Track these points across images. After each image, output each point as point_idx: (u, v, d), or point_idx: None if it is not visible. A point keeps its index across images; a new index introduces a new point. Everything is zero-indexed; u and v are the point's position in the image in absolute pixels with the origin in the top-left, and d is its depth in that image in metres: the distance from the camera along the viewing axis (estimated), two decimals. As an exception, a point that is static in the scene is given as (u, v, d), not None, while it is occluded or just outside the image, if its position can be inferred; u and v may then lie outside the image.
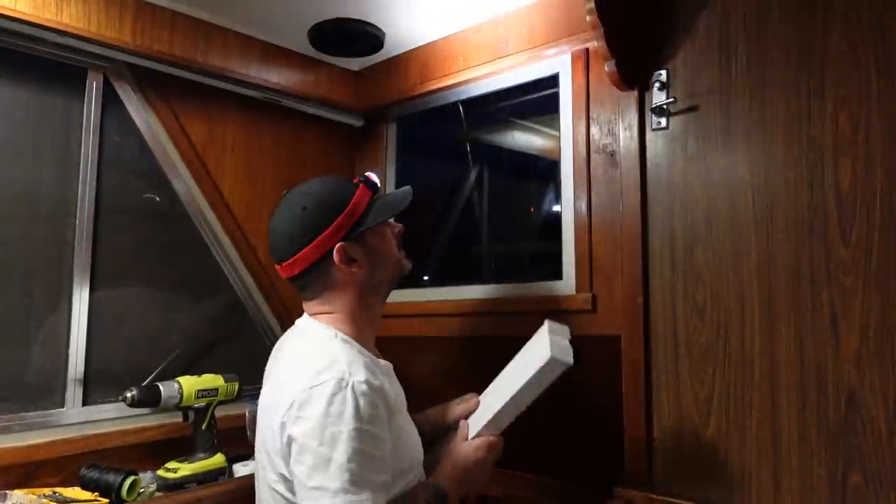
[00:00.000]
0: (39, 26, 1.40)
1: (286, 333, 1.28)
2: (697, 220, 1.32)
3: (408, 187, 1.26)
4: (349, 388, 1.00)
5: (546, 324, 1.24)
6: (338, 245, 1.14)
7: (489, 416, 1.19)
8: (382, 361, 1.20)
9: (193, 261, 1.81)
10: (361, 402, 1.00)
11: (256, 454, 1.19)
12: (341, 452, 0.97)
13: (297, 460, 0.99)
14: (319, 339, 1.14)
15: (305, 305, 1.22)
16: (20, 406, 1.47)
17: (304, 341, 1.18)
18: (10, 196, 1.49)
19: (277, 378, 1.15)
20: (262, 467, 1.13)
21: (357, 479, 0.96)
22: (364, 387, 1.01)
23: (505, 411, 1.18)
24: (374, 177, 1.22)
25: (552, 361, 1.11)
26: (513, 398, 1.16)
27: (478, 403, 1.29)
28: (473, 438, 1.20)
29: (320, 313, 1.19)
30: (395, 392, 1.15)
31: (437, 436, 1.30)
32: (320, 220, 1.14)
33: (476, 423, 1.22)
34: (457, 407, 1.32)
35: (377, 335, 1.26)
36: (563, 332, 1.24)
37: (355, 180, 1.21)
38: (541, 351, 1.15)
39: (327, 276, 1.16)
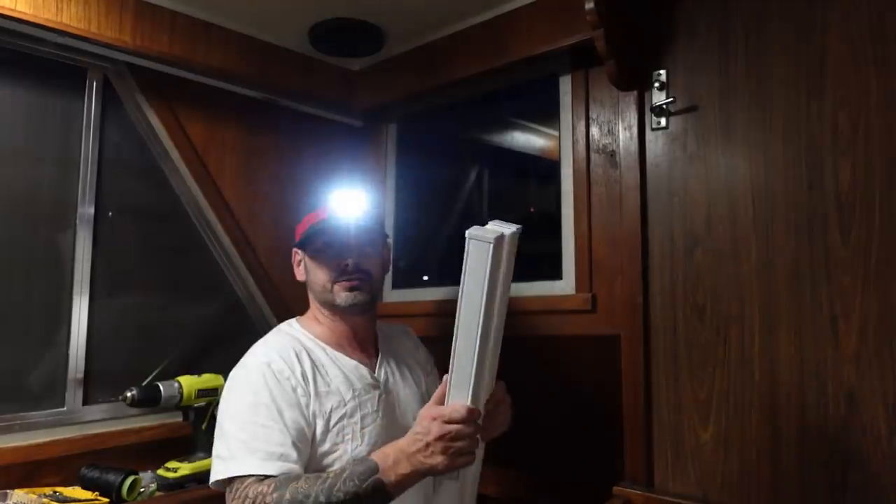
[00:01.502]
0: (39, 26, 1.40)
1: None
2: (697, 220, 1.32)
3: (344, 221, 1.27)
4: (249, 367, 1.19)
5: (467, 233, 0.98)
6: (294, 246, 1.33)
7: (456, 381, 1.01)
8: (346, 359, 1.26)
9: (193, 261, 1.81)
10: (258, 379, 1.15)
11: None
12: (233, 424, 1.12)
13: None
14: (270, 332, 1.32)
15: None
16: (20, 406, 1.47)
17: None
18: (10, 196, 1.49)
19: None
20: None
21: (245, 448, 1.08)
22: (265, 367, 1.16)
23: (470, 366, 0.99)
24: (334, 202, 1.30)
25: (498, 237, 0.95)
26: (477, 349, 0.98)
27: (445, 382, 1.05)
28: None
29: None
30: (331, 382, 1.21)
31: None
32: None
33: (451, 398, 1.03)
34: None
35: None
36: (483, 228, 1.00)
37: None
38: (480, 252, 0.96)
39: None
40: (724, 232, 1.28)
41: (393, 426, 1.23)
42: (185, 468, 1.50)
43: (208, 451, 1.55)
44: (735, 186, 1.28)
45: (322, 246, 1.28)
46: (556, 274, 1.60)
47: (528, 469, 1.58)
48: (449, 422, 0.98)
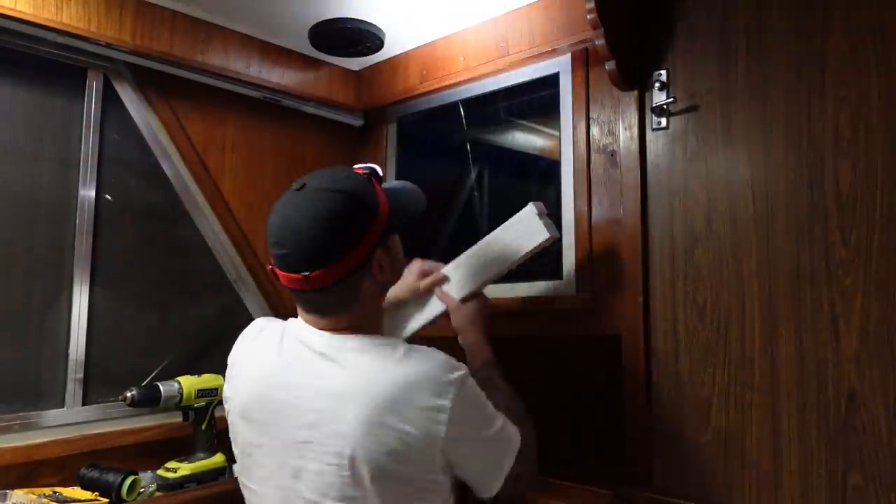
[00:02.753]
0: (39, 26, 1.40)
1: (292, 355, 1.06)
2: (697, 220, 1.32)
3: (405, 183, 1.22)
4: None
5: (531, 205, 1.33)
6: (377, 252, 1.03)
7: (476, 281, 1.33)
8: None
9: (193, 261, 1.81)
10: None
11: None
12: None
13: None
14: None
15: (316, 321, 1.05)
16: (20, 406, 1.47)
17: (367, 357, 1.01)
18: (10, 196, 1.49)
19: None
20: None
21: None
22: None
23: (489, 280, 1.34)
24: (379, 169, 1.12)
25: (551, 238, 1.29)
26: (500, 269, 1.32)
27: (445, 276, 1.38)
28: (466, 299, 1.33)
29: (340, 329, 1.03)
30: None
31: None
32: (359, 222, 1.00)
33: (459, 289, 1.35)
34: (422, 281, 1.38)
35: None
36: (543, 209, 1.34)
37: (358, 170, 1.09)
38: (535, 229, 1.31)
39: (357, 287, 1.03)
40: (725, 232, 1.28)
41: None
42: (184, 468, 1.50)
43: (208, 452, 1.56)
44: (735, 186, 1.28)
45: (405, 218, 1.12)
46: (556, 274, 1.60)
47: (528, 469, 1.57)
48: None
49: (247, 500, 1.11)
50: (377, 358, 0.99)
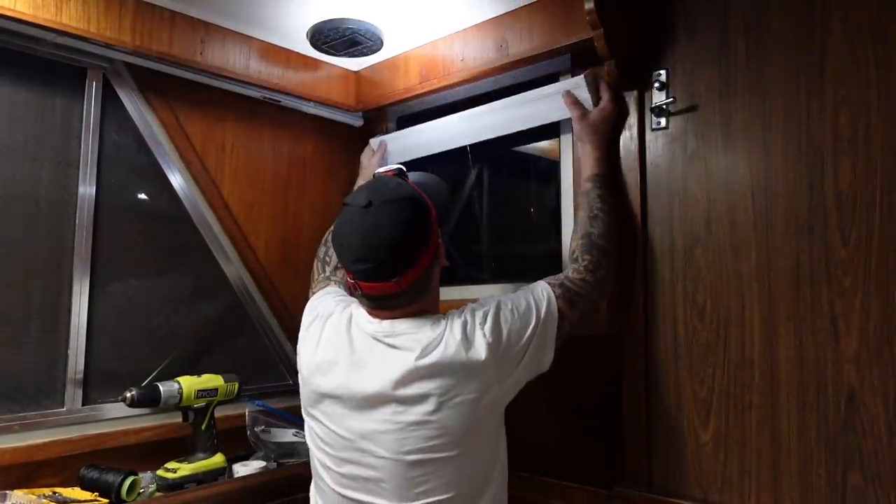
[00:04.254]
0: (39, 26, 1.40)
1: (361, 343, 1.18)
2: (697, 221, 1.32)
3: (423, 174, 1.35)
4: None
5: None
6: (439, 242, 1.18)
7: None
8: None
9: (193, 261, 1.81)
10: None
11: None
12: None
13: None
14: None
15: (389, 313, 1.16)
16: (20, 406, 1.47)
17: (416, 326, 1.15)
18: (10, 196, 1.49)
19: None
20: None
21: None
22: None
23: None
24: (403, 167, 1.24)
25: None
26: None
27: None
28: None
29: (408, 316, 1.16)
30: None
31: None
32: (427, 221, 1.15)
33: None
34: (374, 158, 1.78)
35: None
36: None
37: (392, 174, 1.22)
38: None
39: (429, 278, 1.17)
40: (724, 232, 1.28)
41: None
42: (184, 469, 1.50)
43: (208, 452, 1.56)
44: (735, 186, 1.28)
45: (441, 208, 1.28)
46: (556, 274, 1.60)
47: (528, 469, 1.57)
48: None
49: None
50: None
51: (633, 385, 1.38)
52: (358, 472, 1.14)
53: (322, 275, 1.54)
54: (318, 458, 1.23)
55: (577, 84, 1.43)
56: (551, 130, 1.67)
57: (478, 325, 1.12)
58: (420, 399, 1.08)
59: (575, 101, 1.44)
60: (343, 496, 1.17)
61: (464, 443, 1.10)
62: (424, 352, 1.09)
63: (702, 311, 1.30)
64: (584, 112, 1.42)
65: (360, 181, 1.81)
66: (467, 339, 1.10)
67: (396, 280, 1.10)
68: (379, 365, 1.12)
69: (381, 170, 1.25)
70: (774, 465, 1.20)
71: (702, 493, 1.28)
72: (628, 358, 1.40)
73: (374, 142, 1.82)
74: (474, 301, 1.21)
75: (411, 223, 1.12)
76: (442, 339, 1.10)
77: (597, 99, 1.44)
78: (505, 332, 1.13)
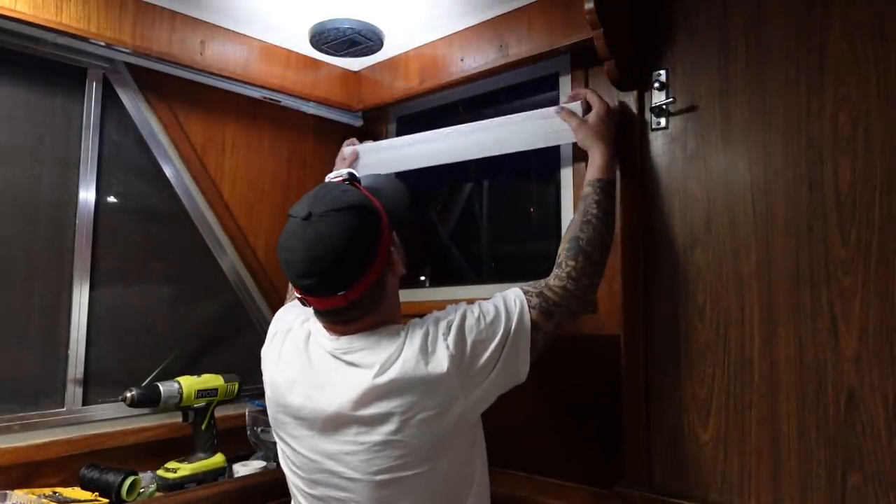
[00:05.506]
0: (39, 26, 1.40)
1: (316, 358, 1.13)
2: (697, 220, 1.32)
3: (377, 176, 1.29)
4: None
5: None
6: (391, 250, 1.10)
7: None
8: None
9: (193, 261, 1.81)
10: None
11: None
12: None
13: None
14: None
15: (343, 329, 1.10)
16: (20, 406, 1.47)
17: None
18: (10, 196, 1.49)
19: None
20: None
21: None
22: None
23: None
24: (354, 172, 1.16)
25: None
26: None
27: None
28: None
29: (365, 329, 1.10)
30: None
31: None
32: (374, 230, 1.07)
33: None
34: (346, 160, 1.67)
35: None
36: None
37: (341, 180, 1.14)
38: None
39: (381, 289, 1.11)
40: (724, 232, 1.28)
41: None
42: (184, 469, 1.50)
43: (208, 452, 1.56)
44: (735, 186, 1.27)
45: (402, 211, 1.20)
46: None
47: (528, 469, 1.57)
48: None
49: None
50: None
51: (633, 385, 1.38)
52: (330, 494, 1.11)
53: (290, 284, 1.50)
54: (292, 480, 1.20)
55: (574, 108, 1.41)
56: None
57: (440, 335, 1.07)
58: (382, 419, 1.03)
59: (570, 113, 1.41)
60: None
61: (433, 458, 1.06)
62: (382, 368, 1.03)
63: (701, 310, 1.30)
64: (581, 120, 1.38)
65: None
66: (427, 352, 1.04)
67: (343, 294, 1.03)
68: (338, 385, 1.07)
69: (331, 175, 1.17)
70: (774, 465, 1.19)
71: (701, 493, 1.28)
72: (628, 358, 1.39)
73: (346, 150, 1.71)
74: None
75: (355, 233, 1.03)
76: (400, 354, 1.04)
77: (588, 108, 1.42)
78: (469, 342, 1.07)
